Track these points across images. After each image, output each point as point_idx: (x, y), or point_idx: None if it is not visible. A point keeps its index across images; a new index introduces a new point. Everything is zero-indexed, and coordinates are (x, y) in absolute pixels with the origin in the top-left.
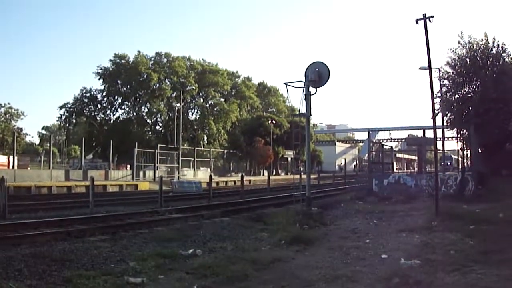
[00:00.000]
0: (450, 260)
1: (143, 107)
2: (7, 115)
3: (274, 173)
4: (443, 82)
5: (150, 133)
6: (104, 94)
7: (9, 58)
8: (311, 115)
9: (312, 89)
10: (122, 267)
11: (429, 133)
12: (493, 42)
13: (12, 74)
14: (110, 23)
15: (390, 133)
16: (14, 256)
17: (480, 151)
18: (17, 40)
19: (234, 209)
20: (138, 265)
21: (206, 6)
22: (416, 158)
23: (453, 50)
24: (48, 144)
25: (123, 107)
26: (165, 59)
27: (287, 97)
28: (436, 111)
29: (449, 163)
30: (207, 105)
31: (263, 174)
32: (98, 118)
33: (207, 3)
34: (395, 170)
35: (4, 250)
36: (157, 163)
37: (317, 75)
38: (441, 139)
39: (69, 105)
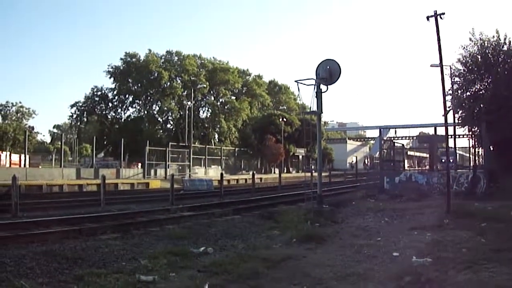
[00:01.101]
0: (462, 258)
1: (154, 106)
2: (18, 114)
3: (285, 171)
4: (454, 79)
5: (161, 131)
6: (115, 92)
7: (20, 58)
8: (322, 112)
9: (323, 87)
10: (133, 265)
11: (441, 131)
12: (505, 39)
13: (23, 73)
14: (121, 22)
15: (395, 131)
16: (26, 254)
17: (492, 149)
18: (28, 40)
19: (245, 207)
20: (150, 263)
21: (216, 5)
22: (427, 155)
23: (464, 47)
24: (60, 143)
25: (134, 105)
26: (176, 58)
27: (298, 95)
28: (448, 109)
29: (450, 160)
30: (218, 103)
31: (274, 172)
32: (109, 117)
33: (217, 1)
34: (406, 167)
35: (16, 248)
36: (168, 161)
37: (328, 72)
38: (453, 136)
39: (80, 104)
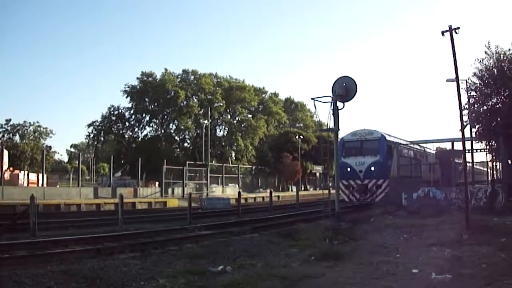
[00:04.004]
0: (482, 274)
1: (171, 125)
2: (36, 134)
3: (302, 188)
4: (470, 93)
5: (178, 150)
6: (131, 112)
7: (38, 78)
8: (339, 129)
9: (339, 104)
10: (152, 284)
11: (458, 146)
12: None
13: (41, 93)
14: (137, 42)
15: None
16: (44, 274)
17: (510, 163)
18: (45, 60)
19: (263, 225)
20: (168, 282)
21: (231, 23)
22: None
23: (480, 61)
24: (77, 162)
25: (151, 124)
26: (192, 76)
27: (315, 112)
28: (464, 123)
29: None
30: (235, 121)
31: (292, 190)
32: (126, 136)
33: (232, 21)
34: None
35: (34, 267)
36: (185, 180)
37: (344, 89)
38: (470, 151)
39: (97, 123)
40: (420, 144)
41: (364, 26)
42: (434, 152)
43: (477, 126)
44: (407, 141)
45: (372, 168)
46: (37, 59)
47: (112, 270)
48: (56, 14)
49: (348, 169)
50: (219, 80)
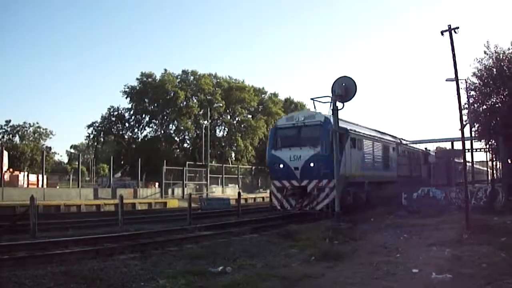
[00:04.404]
0: (482, 274)
1: (170, 125)
2: (36, 135)
3: None
4: (470, 93)
5: (178, 150)
6: (131, 112)
7: (38, 78)
8: (338, 129)
9: (339, 104)
10: (152, 285)
11: (458, 145)
12: None
13: (41, 93)
14: (137, 42)
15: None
16: (44, 275)
17: (510, 162)
18: (45, 60)
19: (263, 225)
20: (168, 283)
21: (231, 23)
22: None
23: (479, 61)
24: (77, 163)
25: (150, 125)
26: (192, 77)
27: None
28: (464, 123)
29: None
30: (234, 121)
31: None
32: (126, 137)
33: (232, 21)
34: None
35: (34, 268)
36: (185, 180)
37: (344, 89)
38: (470, 150)
39: (97, 124)
40: (394, 136)
41: (364, 26)
42: (420, 149)
43: (476, 126)
44: (373, 130)
45: (312, 164)
46: (37, 59)
47: (112, 271)
48: (56, 14)
49: (281, 166)
50: (218, 80)
